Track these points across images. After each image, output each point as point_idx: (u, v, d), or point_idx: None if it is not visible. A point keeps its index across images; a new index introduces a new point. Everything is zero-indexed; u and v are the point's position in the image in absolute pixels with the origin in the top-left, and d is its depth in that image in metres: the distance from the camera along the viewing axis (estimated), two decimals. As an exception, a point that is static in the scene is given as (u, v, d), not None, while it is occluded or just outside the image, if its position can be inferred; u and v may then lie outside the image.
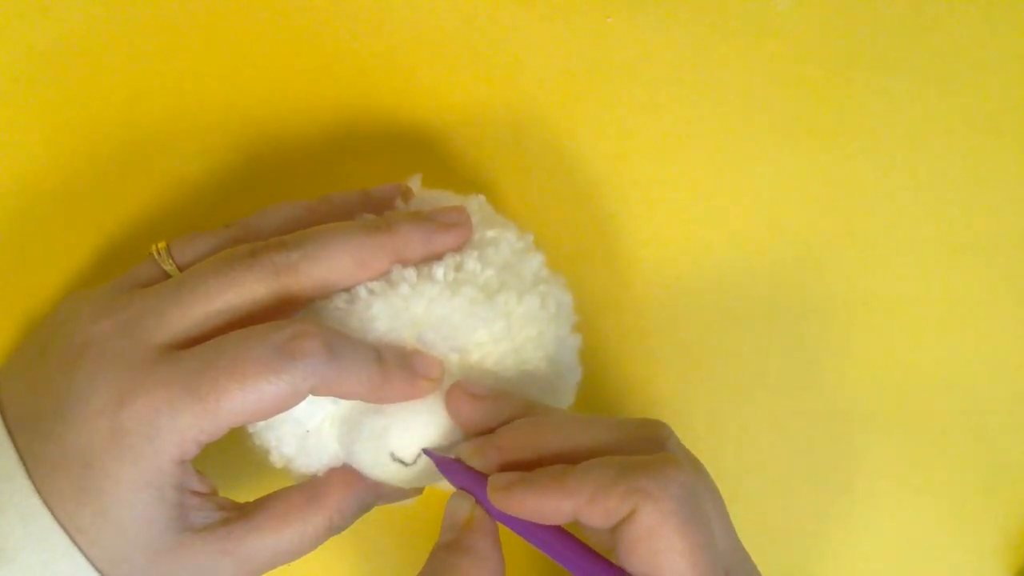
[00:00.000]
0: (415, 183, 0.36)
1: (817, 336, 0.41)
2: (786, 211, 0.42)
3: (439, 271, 0.32)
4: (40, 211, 0.39)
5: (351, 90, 0.41)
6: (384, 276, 0.32)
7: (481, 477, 0.30)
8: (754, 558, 0.39)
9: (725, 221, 0.42)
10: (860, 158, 0.42)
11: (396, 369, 0.31)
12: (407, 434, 0.32)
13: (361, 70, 0.41)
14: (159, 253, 0.32)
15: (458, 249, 0.33)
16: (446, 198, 0.35)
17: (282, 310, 0.30)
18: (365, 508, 0.33)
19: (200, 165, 0.40)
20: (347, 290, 0.32)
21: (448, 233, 0.32)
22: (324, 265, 0.31)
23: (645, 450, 0.28)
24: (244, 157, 0.40)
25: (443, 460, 0.31)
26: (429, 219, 0.33)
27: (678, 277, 0.41)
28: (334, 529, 0.32)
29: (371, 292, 0.32)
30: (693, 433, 0.39)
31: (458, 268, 0.32)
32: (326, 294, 0.32)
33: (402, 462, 0.32)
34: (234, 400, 0.28)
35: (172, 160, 0.40)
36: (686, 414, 0.40)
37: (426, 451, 0.31)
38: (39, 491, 0.28)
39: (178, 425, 0.28)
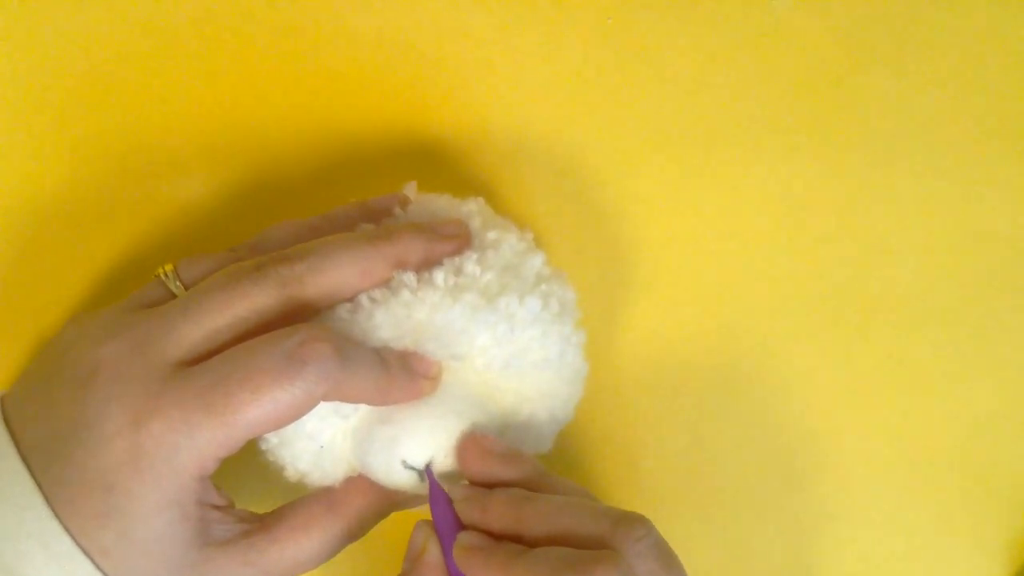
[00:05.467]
0: (411, 189, 0.36)
1: (816, 333, 0.41)
2: (785, 209, 0.42)
3: (439, 276, 0.32)
4: (45, 233, 0.39)
5: (353, 97, 0.41)
6: (386, 283, 0.32)
7: (455, 521, 0.31)
8: (753, 558, 0.40)
9: (724, 220, 0.42)
10: (859, 157, 0.42)
11: (398, 370, 0.31)
12: (415, 441, 0.32)
13: (362, 74, 0.41)
14: (166, 275, 0.32)
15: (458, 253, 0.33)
16: (444, 202, 0.36)
17: (288, 321, 0.31)
18: (382, 515, 0.33)
19: (205, 185, 0.40)
20: (350, 300, 0.32)
21: (448, 243, 0.33)
22: (328, 276, 0.31)
23: (610, 544, 0.28)
24: (248, 177, 0.40)
25: (435, 488, 0.32)
26: (429, 228, 0.33)
27: (678, 277, 0.41)
28: (352, 537, 0.32)
29: (373, 301, 0.32)
30: (688, 421, 0.40)
31: (458, 272, 0.32)
32: (331, 304, 0.32)
33: (413, 468, 0.32)
34: (250, 411, 0.28)
35: (176, 182, 0.40)
36: (684, 409, 0.41)
37: (428, 471, 0.32)
38: (58, 516, 0.28)
39: (196, 442, 0.28)
